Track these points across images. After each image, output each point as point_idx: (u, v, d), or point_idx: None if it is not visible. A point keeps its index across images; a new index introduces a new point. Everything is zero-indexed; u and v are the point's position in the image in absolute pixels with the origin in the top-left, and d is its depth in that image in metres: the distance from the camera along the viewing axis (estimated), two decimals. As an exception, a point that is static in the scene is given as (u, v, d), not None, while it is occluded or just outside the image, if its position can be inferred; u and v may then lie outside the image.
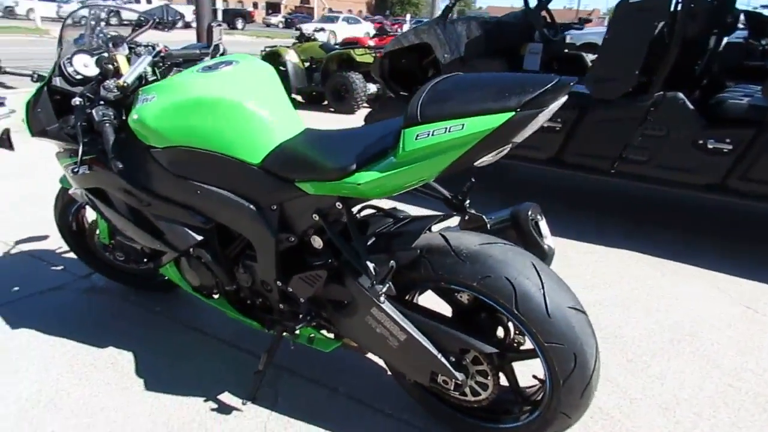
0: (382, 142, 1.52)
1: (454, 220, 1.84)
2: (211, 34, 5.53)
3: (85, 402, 1.95)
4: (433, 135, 1.36)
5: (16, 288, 2.67)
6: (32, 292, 2.65)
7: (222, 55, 5.87)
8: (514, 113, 1.29)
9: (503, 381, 1.76)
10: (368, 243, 1.72)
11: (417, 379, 1.72)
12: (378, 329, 1.67)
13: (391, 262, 1.57)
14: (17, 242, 3.14)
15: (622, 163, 3.56)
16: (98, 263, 2.64)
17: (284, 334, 1.92)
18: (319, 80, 8.26)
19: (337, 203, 1.63)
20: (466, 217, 1.85)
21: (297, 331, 1.88)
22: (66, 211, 2.51)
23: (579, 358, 1.52)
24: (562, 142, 3.71)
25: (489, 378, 1.66)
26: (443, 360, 1.63)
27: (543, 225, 1.80)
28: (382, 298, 1.61)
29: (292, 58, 8.31)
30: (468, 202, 1.86)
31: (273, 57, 8.37)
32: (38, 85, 2.09)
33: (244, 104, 1.73)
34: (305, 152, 1.65)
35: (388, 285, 1.57)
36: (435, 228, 1.77)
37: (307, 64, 8.46)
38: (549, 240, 1.80)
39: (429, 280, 1.64)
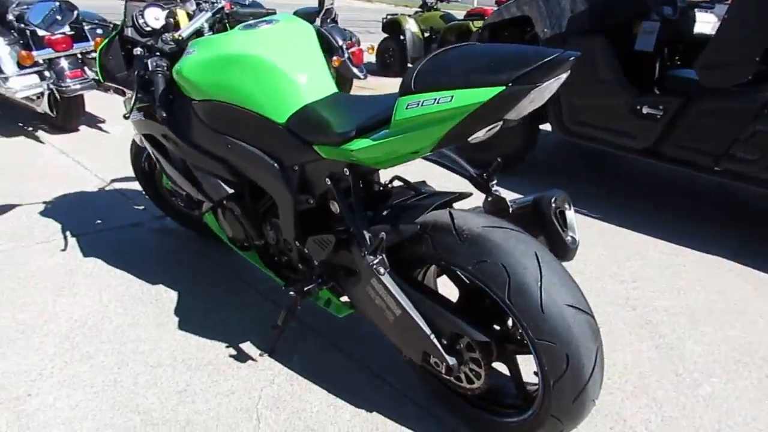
0: (389, 110, 1.47)
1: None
2: (323, -2, 5.57)
3: (122, 330, 2.11)
4: (422, 105, 1.30)
5: (99, 221, 2.94)
6: (111, 226, 2.90)
7: (333, 20, 5.96)
8: (504, 88, 1.20)
9: (506, 372, 1.69)
10: (382, 213, 1.69)
11: (410, 356, 1.68)
12: (377, 300, 1.64)
13: (381, 234, 1.53)
14: (113, 180, 3.44)
15: (729, 161, 3.18)
16: (166, 206, 2.82)
17: (293, 293, 1.95)
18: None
19: (345, 169, 1.61)
20: (489, 198, 1.76)
21: (314, 292, 1.90)
22: (139, 155, 2.70)
23: (572, 360, 1.40)
24: (661, 132, 3.38)
25: (482, 367, 1.58)
26: (435, 342, 1.58)
27: (570, 215, 1.67)
28: (381, 270, 1.58)
29: (411, 27, 8.26)
30: (494, 182, 1.77)
31: (393, 25, 8.37)
32: (112, 33, 2.24)
33: (273, 62, 1.74)
34: (323, 115, 1.64)
35: (380, 257, 1.54)
36: (462, 206, 1.70)
37: (427, 35, 8.37)
38: (574, 233, 1.66)
39: (431, 257, 1.58)
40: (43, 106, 3.98)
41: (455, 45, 1.39)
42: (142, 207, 3.13)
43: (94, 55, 4.02)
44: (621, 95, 3.48)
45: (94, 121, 4.64)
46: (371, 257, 1.53)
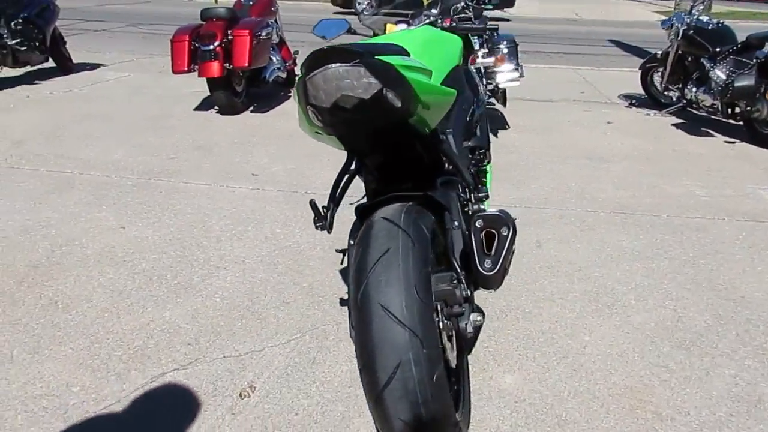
0: None
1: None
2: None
3: (306, 261, 2.86)
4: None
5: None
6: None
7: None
8: (301, 76, 1.38)
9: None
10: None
11: None
12: None
13: (312, 200, 1.79)
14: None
15: None
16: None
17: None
18: None
19: None
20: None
21: None
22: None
23: (366, 358, 1.42)
24: None
25: None
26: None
27: (503, 242, 1.52)
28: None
29: None
30: (480, 191, 1.73)
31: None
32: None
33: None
34: None
35: (321, 223, 1.81)
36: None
37: None
38: (497, 259, 1.51)
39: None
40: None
41: None
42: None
43: (495, 69, 4.76)
44: None
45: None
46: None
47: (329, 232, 1.85)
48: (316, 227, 1.85)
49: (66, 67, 6.67)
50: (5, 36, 5.71)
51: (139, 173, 3.84)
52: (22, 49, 5.87)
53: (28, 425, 1.81)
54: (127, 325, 2.30)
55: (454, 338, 1.74)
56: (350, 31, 2.90)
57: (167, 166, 4.01)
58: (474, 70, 2.80)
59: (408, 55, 1.55)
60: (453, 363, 1.70)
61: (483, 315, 1.71)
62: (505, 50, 4.78)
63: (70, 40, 7.26)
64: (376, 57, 1.37)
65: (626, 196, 3.70)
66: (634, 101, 6.40)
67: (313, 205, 1.82)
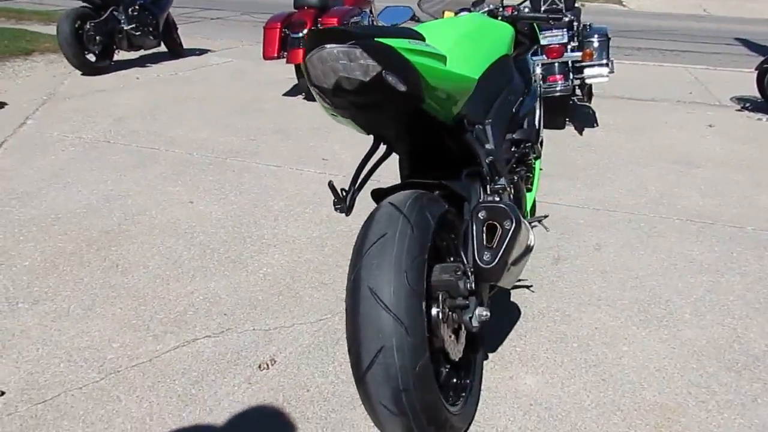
0: None
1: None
2: None
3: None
4: None
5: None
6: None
7: None
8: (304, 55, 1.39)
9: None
10: None
11: None
12: None
13: (330, 182, 1.81)
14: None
15: None
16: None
17: None
18: None
19: None
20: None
21: None
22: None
23: (352, 339, 1.44)
24: None
25: None
26: None
27: (505, 235, 1.47)
28: None
29: None
30: (497, 181, 1.67)
31: None
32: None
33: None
34: None
35: (340, 206, 1.82)
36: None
37: None
38: (497, 252, 1.47)
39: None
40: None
41: None
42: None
43: (583, 63, 4.54)
44: None
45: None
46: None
47: (348, 215, 1.86)
48: (336, 209, 1.87)
49: (176, 51, 7.13)
50: (122, 21, 6.21)
51: (218, 152, 4.05)
52: (137, 34, 6.36)
53: (67, 372, 1.98)
54: (173, 291, 2.44)
55: (462, 331, 1.71)
56: (414, 18, 2.89)
57: (246, 147, 4.19)
58: (530, 61, 2.68)
59: (422, 39, 1.51)
60: (456, 356, 1.67)
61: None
62: (596, 44, 4.55)
63: (188, 27, 7.77)
64: (376, 39, 1.36)
65: (710, 204, 3.42)
66: (747, 104, 5.88)
67: (332, 187, 1.84)
